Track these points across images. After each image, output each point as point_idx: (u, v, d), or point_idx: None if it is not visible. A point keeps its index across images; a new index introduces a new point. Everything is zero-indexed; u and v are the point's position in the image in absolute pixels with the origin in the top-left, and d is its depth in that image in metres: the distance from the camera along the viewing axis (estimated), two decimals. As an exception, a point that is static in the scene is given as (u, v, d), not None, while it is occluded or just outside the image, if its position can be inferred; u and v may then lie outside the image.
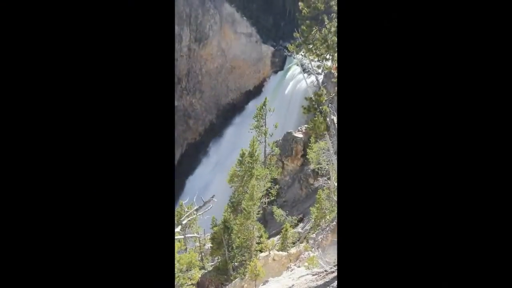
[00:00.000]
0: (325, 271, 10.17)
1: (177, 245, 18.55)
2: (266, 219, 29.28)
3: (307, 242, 17.77)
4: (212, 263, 23.72)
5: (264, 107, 27.35)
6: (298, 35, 13.92)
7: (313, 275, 10.72)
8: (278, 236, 23.02)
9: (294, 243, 20.48)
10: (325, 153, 20.94)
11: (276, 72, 54.68)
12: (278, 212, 24.89)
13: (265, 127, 27.87)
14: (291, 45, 14.59)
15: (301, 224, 26.13)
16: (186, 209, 22.57)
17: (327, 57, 13.66)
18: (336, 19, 12.43)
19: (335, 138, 14.42)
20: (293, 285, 11.05)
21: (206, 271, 22.10)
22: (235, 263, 20.68)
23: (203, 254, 24.05)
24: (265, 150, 29.08)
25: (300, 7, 13.38)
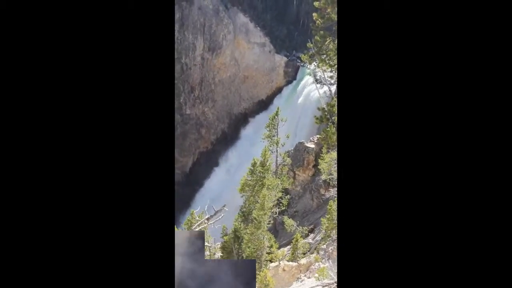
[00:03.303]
0: (335, 282, 10.09)
1: (187, 253, 18.49)
2: (276, 229, 29.12)
3: (318, 253, 17.64)
4: (222, 272, 23.62)
5: (276, 116, 27.33)
6: (311, 45, 13.96)
7: (323, 286, 10.63)
8: (289, 247, 22.87)
9: (304, 254, 20.32)
10: (336, 164, 20.84)
11: (289, 82, 54.75)
12: (289, 222, 24.71)
13: (277, 136, 27.81)
14: (304, 55, 14.61)
15: (311, 235, 25.93)
16: (197, 218, 22.55)
17: (340, 67, 13.61)
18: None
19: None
20: (303, 296, 10.96)
21: (215, 280, 22.02)
22: (245, 273, 20.56)
23: (213, 263, 23.99)
24: (276, 160, 28.97)
25: (314, 18, 13.43)
